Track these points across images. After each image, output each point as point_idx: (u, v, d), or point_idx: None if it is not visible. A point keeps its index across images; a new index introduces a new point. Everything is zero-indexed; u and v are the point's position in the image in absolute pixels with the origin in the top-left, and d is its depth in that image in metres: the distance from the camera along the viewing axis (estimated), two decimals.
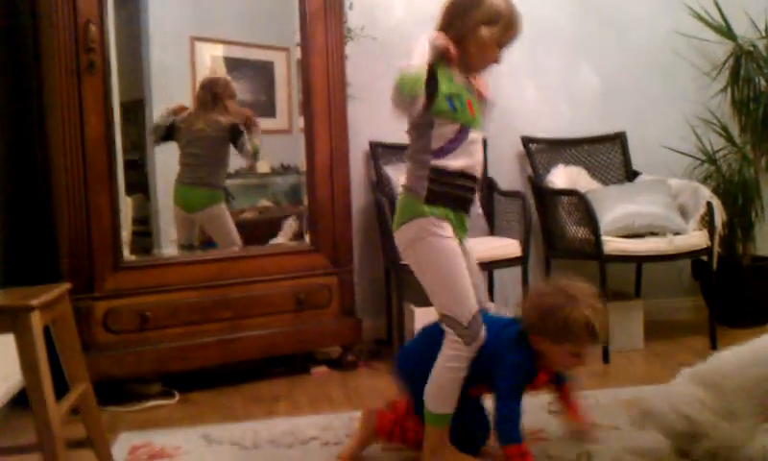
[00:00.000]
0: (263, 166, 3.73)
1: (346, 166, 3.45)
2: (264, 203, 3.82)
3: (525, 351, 2.17)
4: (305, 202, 3.47)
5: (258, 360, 3.36)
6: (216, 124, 3.49)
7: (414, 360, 2.34)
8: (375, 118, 3.91)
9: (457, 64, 2.20)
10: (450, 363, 2.16)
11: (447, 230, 2.19)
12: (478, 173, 2.27)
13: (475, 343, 2.15)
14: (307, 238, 3.46)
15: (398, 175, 3.71)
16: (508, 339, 2.20)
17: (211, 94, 3.46)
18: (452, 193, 2.20)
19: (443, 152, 2.18)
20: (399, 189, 2.35)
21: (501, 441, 2.13)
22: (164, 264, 3.20)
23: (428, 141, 2.19)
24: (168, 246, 3.46)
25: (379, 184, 3.78)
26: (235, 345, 3.20)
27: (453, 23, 2.21)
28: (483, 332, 2.17)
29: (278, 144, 3.80)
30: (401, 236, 2.24)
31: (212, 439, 2.60)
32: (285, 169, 3.77)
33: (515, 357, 2.16)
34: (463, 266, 2.19)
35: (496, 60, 2.26)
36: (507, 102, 4.10)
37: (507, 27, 2.21)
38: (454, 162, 2.19)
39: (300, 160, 3.51)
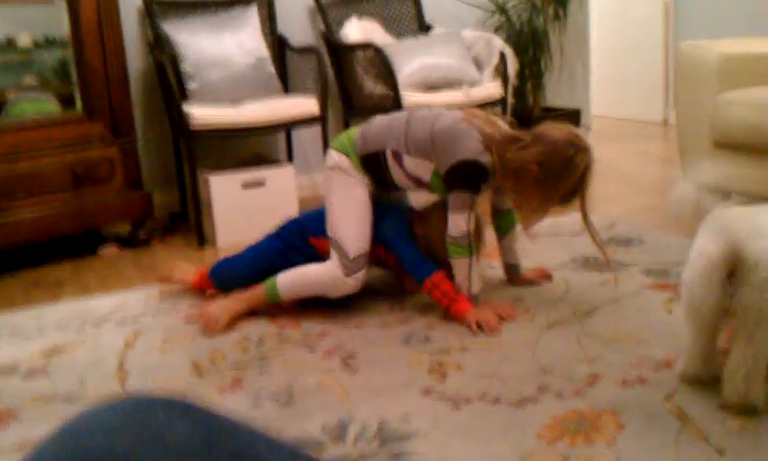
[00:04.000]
0: (24, 39, 3.25)
1: (117, 24, 3.06)
2: (28, 81, 3.36)
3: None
4: (75, 76, 3.07)
5: (37, 244, 2.99)
6: None
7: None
8: None
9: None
10: (324, 282, 2.16)
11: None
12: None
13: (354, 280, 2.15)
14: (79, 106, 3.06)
15: (180, 34, 3.36)
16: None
17: None
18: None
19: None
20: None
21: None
22: None
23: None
24: None
25: (158, 45, 3.41)
26: (6, 228, 2.81)
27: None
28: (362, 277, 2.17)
29: (39, 14, 3.35)
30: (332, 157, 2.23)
31: None
32: (50, 42, 3.31)
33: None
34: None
35: None
36: None
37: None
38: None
39: (66, 31, 3.07)
